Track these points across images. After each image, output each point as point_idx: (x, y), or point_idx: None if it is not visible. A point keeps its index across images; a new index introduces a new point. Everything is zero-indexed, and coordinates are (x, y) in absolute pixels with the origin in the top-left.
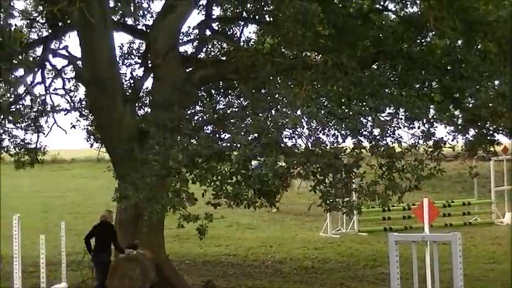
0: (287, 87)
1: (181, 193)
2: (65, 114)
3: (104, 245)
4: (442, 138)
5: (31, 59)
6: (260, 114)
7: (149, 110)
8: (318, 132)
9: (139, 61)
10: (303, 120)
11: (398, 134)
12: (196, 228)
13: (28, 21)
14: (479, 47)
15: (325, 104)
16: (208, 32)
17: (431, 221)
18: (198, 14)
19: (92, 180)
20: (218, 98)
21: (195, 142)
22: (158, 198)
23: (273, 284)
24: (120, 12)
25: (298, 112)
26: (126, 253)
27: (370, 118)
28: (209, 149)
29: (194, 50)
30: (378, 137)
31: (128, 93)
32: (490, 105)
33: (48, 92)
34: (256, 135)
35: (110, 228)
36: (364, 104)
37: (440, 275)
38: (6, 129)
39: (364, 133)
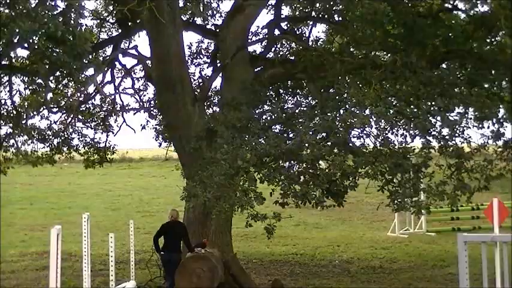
0: (356, 87)
1: (249, 192)
2: (134, 114)
3: (174, 243)
4: None
5: (101, 58)
6: (328, 114)
7: (218, 109)
8: (387, 132)
9: (208, 61)
10: (371, 120)
11: (468, 134)
12: (264, 227)
13: (98, 21)
14: None
15: (394, 103)
16: (277, 32)
17: (501, 222)
18: (267, 13)
19: (160, 179)
20: (286, 98)
21: (263, 141)
22: (226, 197)
23: (340, 283)
24: (190, 11)
25: (367, 111)
26: (195, 252)
27: (439, 118)
28: (277, 148)
29: (263, 49)
30: (447, 137)
31: (196, 93)
32: None
33: (117, 91)
34: (324, 134)
35: (181, 227)
36: (433, 103)
37: (510, 276)
38: (76, 128)
39: (433, 133)
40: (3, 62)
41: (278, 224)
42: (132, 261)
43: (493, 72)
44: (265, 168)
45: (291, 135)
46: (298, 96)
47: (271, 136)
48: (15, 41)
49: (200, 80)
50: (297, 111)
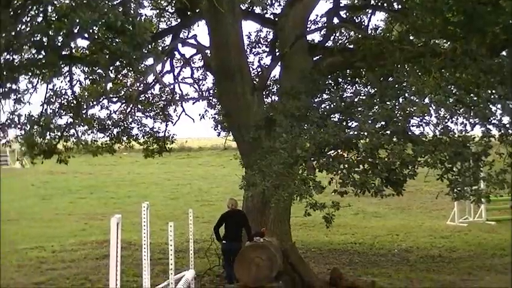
0: (415, 75)
1: (308, 181)
2: (193, 103)
3: (234, 232)
4: None
5: (160, 48)
6: (388, 103)
7: (276, 98)
8: (446, 121)
9: (267, 50)
10: (431, 108)
11: None
12: (323, 216)
13: (158, 11)
14: None
15: (453, 91)
16: (336, 20)
17: None
18: (326, 2)
19: (219, 168)
20: (345, 86)
21: (322, 130)
22: (285, 186)
23: (399, 272)
24: (249, 0)
25: (426, 100)
26: (253, 241)
27: (499, 106)
28: (336, 137)
29: (322, 38)
30: (508, 125)
31: (255, 82)
32: None
33: (176, 81)
34: (383, 123)
35: (241, 216)
36: (493, 91)
37: None
38: (136, 118)
39: (493, 121)
40: (63, 53)
41: (337, 212)
42: (191, 250)
43: None
44: (324, 157)
45: (349, 124)
46: (357, 84)
47: (330, 125)
48: (76, 31)
49: (259, 69)
50: (355, 100)
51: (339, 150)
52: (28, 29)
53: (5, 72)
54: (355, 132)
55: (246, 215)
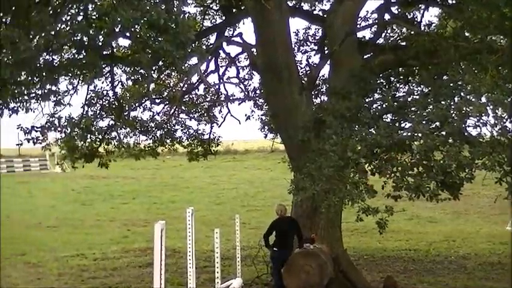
0: (471, 73)
1: (360, 185)
2: (239, 104)
3: (285, 240)
4: None
5: (204, 47)
6: (442, 102)
7: (326, 98)
8: (504, 121)
9: (316, 48)
10: (488, 108)
11: None
12: (376, 221)
13: (202, 8)
14: None
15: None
16: (387, 16)
17: None
18: None
19: (266, 172)
20: (398, 85)
21: (373, 132)
22: (336, 191)
23: (457, 280)
24: None
25: (483, 99)
26: (303, 248)
27: None
28: (389, 138)
29: (372, 35)
30: None
31: (303, 81)
32: None
33: (221, 80)
34: (438, 124)
35: (292, 222)
36: None
37: None
38: (180, 119)
39: None
40: (104, 52)
41: (390, 218)
42: (238, 258)
43: None
44: (376, 159)
45: (403, 125)
46: (410, 83)
47: (382, 126)
48: (117, 30)
49: (307, 68)
50: (409, 99)
51: (392, 153)
52: (68, 28)
53: (44, 73)
54: (409, 134)
55: (297, 222)
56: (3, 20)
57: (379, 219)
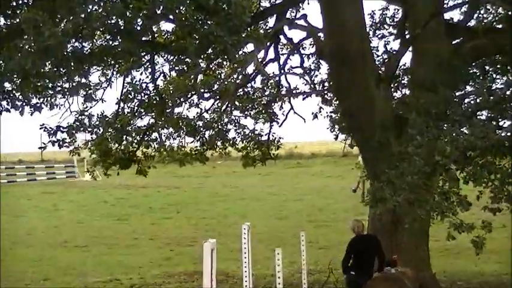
0: None
1: (450, 195)
2: (304, 99)
3: (365, 263)
4: None
5: (262, 31)
6: None
7: (407, 92)
8: None
9: (395, 32)
10: None
11: None
12: (471, 240)
13: None
14: None
15: None
16: None
17: None
18: None
19: (337, 180)
20: (494, 76)
21: (466, 131)
22: (421, 202)
23: None
24: None
25: None
26: (383, 271)
27: None
28: (485, 139)
29: (463, 16)
30: None
31: (381, 72)
32: None
33: (283, 71)
34: None
35: (373, 241)
36: None
37: None
38: (233, 117)
39: None
40: (143, 38)
41: (488, 235)
42: (304, 284)
43: None
44: (470, 165)
45: (501, 123)
46: (509, 74)
47: (476, 124)
48: (159, 12)
49: (385, 56)
50: (508, 92)
51: (489, 156)
52: (101, 10)
53: (72, 63)
54: (508, 134)
55: (378, 240)
56: (26, 0)
57: (474, 237)
